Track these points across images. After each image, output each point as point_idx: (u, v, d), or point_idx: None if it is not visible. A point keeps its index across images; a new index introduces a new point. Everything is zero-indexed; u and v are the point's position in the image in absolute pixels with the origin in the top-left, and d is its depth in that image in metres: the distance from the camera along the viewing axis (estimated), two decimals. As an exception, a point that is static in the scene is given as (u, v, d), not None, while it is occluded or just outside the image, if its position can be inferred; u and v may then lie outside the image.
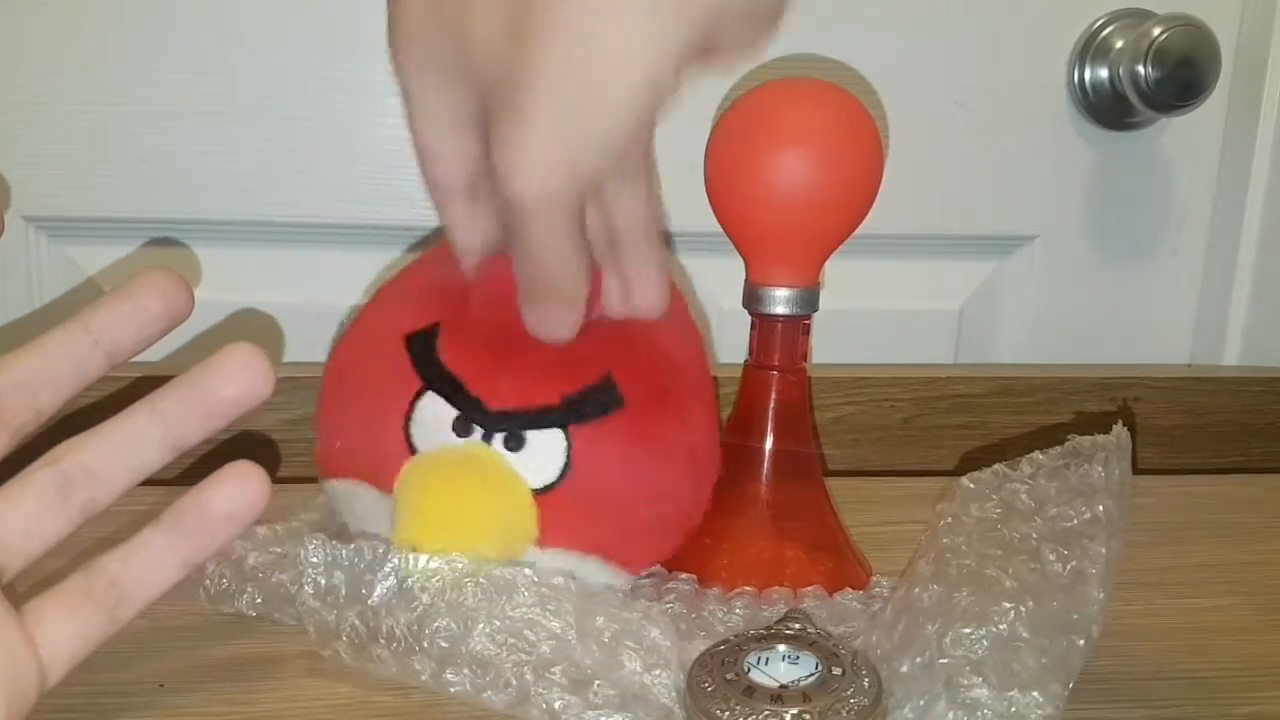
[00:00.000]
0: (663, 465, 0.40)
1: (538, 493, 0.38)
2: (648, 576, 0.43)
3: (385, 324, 0.41)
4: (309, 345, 0.61)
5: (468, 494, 0.38)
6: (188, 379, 0.32)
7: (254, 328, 0.63)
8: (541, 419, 0.38)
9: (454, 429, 0.39)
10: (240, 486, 0.31)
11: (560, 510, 0.38)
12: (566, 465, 0.38)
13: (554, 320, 0.37)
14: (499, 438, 0.38)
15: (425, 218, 0.62)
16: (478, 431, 0.38)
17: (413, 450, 0.39)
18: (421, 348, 0.40)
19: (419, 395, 0.39)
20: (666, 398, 0.41)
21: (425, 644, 0.35)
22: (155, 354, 0.63)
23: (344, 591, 0.37)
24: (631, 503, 0.40)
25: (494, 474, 0.38)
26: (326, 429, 0.42)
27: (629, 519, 0.40)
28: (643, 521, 0.40)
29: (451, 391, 0.39)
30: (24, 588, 0.32)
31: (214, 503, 0.31)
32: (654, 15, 0.30)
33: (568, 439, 0.38)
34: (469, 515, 0.38)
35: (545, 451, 0.38)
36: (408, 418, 0.39)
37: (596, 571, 0.40)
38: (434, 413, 0.39)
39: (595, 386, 0.39)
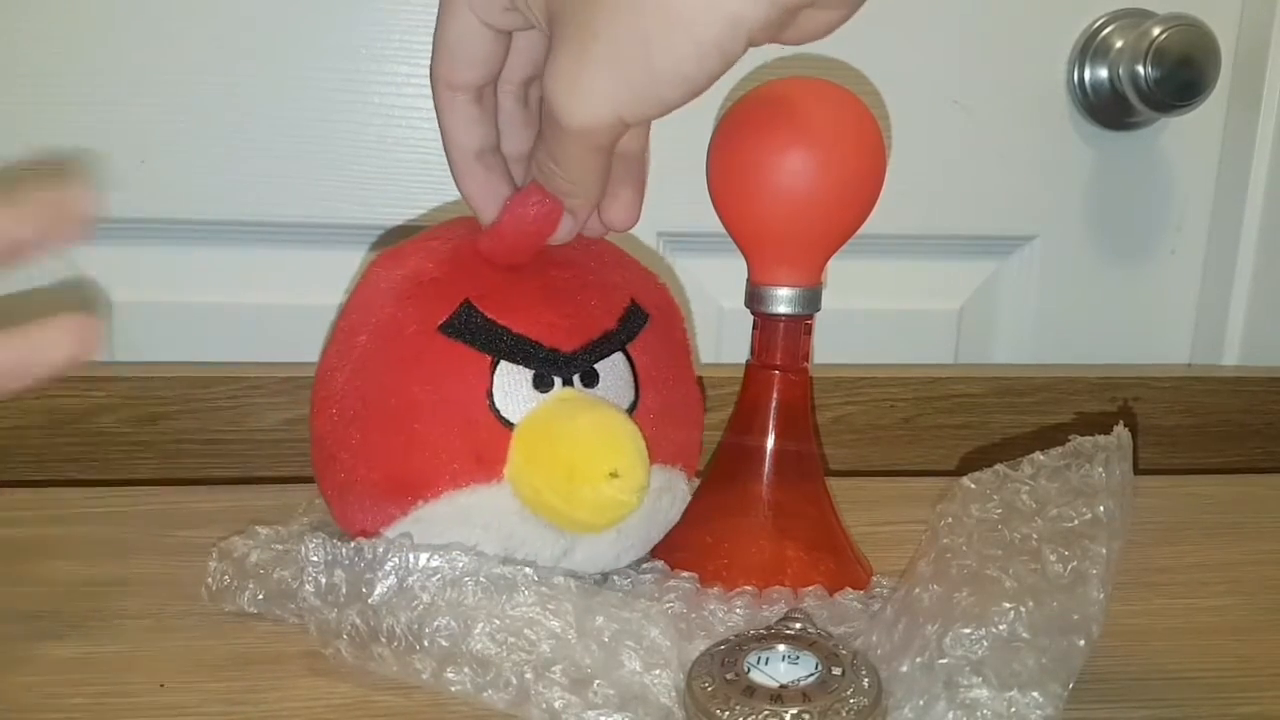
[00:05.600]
0: (688, 365, 0.44)
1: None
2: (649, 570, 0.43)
3: (404, 332, 0.39)
4: (308, 345, 0.61)
5: (618, 421, 0.38)
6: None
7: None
8: (607, 346, 0.40)
9: (535, 386, 0.39)
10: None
11: (648, 429, 0.39)
12: (637, 385, 0.41)
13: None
14: (576, 380, 0.39)
15: (424, 217, 0.62)
16: (557, 381, 0.39)
17: (506, 424, 0.38)
18: (469, 326, 0.39)
19: (493, 369, 0.39)
20: (670, 305, 0.44)
21: (426, 643, 0.35)
22: (164, 354, 0.63)
23: (344, 590, 0.37)
24: (682, 405, 0.43)
25: (607, 403, 0.39)
26: (385, 461, 0.39)
27: (684, 422, 0.43)
28: (691, 424, 0.44)
29: (525, 352, 0.39)
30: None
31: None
32: None
33: (629, 360, 0.40)
34: (633, 436, 0.38)
35: (617, 379, 0.40)
36: (490, 395, 0.38)
37: (679, 482, 0.42)
38: (512, 379, 0.39)
39: (631, 306, 0.41)
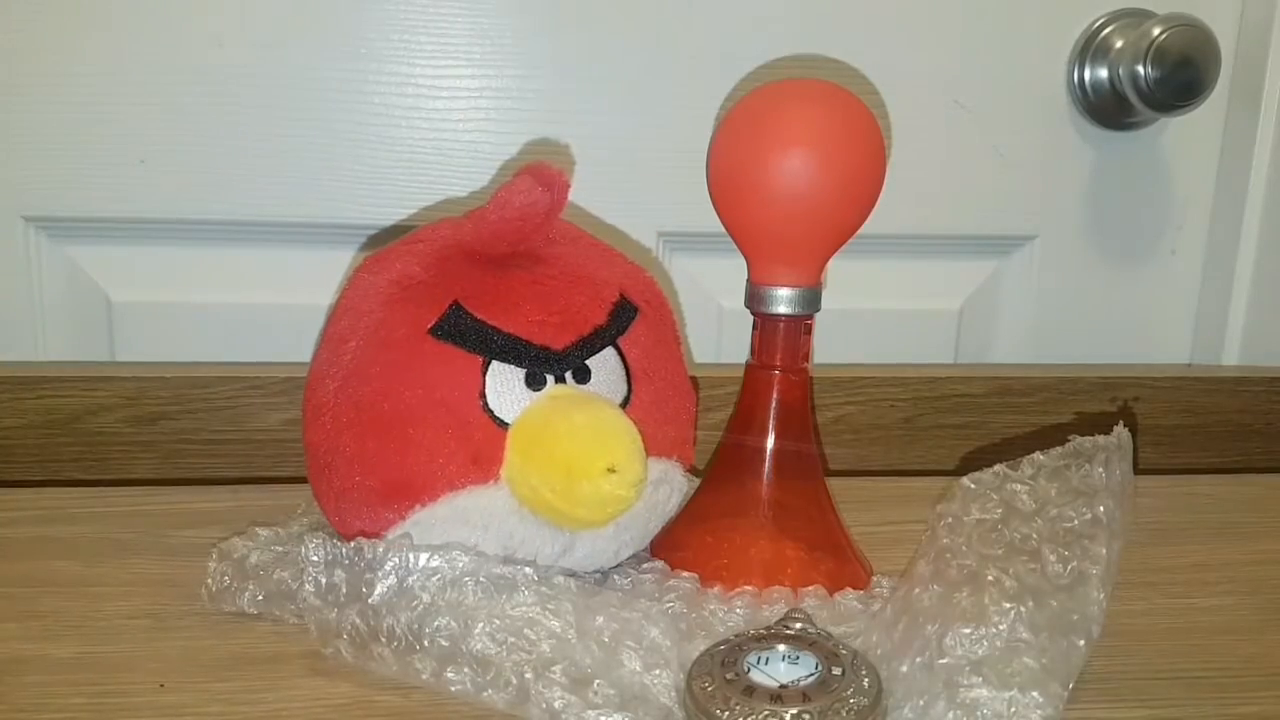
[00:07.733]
0: (679, 356, 0.44)
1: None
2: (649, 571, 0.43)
3: (394, 336, 0.39)
4: (308, 345, 0.61)
5: (613, 416, 0.38)
6: None
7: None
8: (598, 341, 0.40)
9: (528, 385, 0.39)
10: None
11: (642, 423, 0.39)
12: (629, 379, 0.41)
13: None
14: (569, 377, 0.39)
15: (426, 218, 0.62)
16: (550, 379, 0.39)
17: (500, 424, 0.38)
18: (459, 328, 0.39)
19: (485, 370, 0.39)
20: (659, 297, 0.44)
21: (426, 643, 0.35)
22: (164, 354, 0.64)
23: (344, 590, 0.37)
24: (674, 397, 0.43)
25: (601, 398, 0.39)
26: (381, 467, 0.39)
27: (678, 414, 0.43)
28: (684, 415, 0.43)
29: (517, 351, 0.39)
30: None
31: None
32: None
33: (620, 354, 0.40)
34: (628, 430, 0.38)
35: (609, 374, 0.40)
36: (483, 396, 0.38)
37: (676, 473, 0.42)
38: (505, 379, 0.39)
39: (621, 300, 0.41)
